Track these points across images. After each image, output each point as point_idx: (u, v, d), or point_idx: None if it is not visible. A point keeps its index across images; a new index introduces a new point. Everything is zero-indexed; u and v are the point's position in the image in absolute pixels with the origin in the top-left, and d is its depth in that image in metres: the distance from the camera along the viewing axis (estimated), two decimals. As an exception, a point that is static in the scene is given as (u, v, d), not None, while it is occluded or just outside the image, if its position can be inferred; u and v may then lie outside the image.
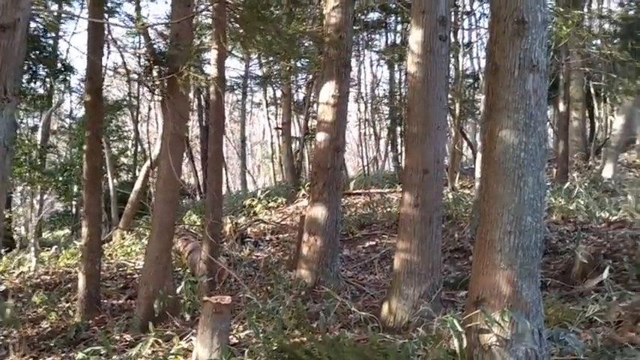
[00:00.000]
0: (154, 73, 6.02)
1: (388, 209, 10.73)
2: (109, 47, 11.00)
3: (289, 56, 10.29)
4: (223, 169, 18.48)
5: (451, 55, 13.92)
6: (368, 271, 7.65)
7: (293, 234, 9.12)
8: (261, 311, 5.32)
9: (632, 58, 12.01)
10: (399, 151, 17.44)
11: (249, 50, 11.37)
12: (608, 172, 12.22)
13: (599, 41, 13.90)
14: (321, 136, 6.85)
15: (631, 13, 14.45)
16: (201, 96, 17.43)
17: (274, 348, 4.42)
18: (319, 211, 6.74)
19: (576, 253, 5.91)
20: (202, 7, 7.76)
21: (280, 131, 17.37)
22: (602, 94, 16.41)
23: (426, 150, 5.24)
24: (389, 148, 20.69)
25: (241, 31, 6.98)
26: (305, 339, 4.64)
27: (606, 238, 6.79)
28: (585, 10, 14.15)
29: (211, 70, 7.32)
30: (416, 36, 5.36)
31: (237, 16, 6.61)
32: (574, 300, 5.37)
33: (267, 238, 10.04)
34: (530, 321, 3.41)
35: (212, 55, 7.25)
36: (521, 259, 3.43)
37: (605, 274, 5.40)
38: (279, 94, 18.81)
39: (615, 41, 13.49)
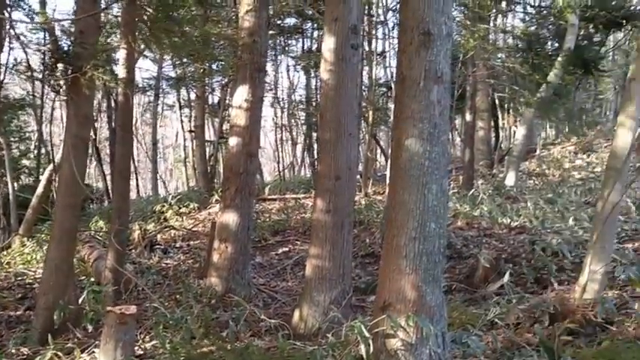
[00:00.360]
0: (58, 72, 5.70)
1: (303, 215, 10.76)
2: (10, 43, 10.37)
3: (203, 58, 10.10)
4: (133, 174, 17.87)
5: (365, 64, 14.24)
6: (280, 278, 7.62)
7: (204, 241, 8.93)
8: (169, 321, 5.17)
9: (531, 72, 12.76)
10: (316, 157, 17.57)
11: (161, 51, 11.04)
12: (510, 179, 12.86)
13: (503, 55, 14.70)
14: (233, 141, 6.76)
15: (532, 28, 15.37)
16: (112, 97, 16.77)
17: (182, 358, 4.30)
18: (231, 217, 6.64)
19: (479, 258, 6.16)
20: (114, 4, 7.46)
21: (194, 134, 17.03)
22: (505, 105, 17.32)
23: (338, 156, 5.28)
24: (305, 153, 20.83)
25: (148, 31, 6.76)
26: (214, 348, 4.55)
27: (507, 243, 7.13)
28: (491, 24, 14.88)
29: (120, 70, 7.03)
30: (329, 43, 5.41)
31: (145, 16, 6.40)
32: (477, 303, 5.60)
33: (178, 245, 9.78)
34: (434, 325, 3.50)
35: (121, 55, 6.98)
36: (425, 265, 3.51)
37: (506, 278, 5.66)
38: (193, 96, 18.46)
39: (517, 55, 14.30)
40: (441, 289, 3.65)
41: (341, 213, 5.32)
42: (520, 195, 11.27)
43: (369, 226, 9.08)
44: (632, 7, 14.21)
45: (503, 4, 15.18)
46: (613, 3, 13.73)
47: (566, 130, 20.30)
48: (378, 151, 19.92)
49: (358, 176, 13.74)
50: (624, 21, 13.74)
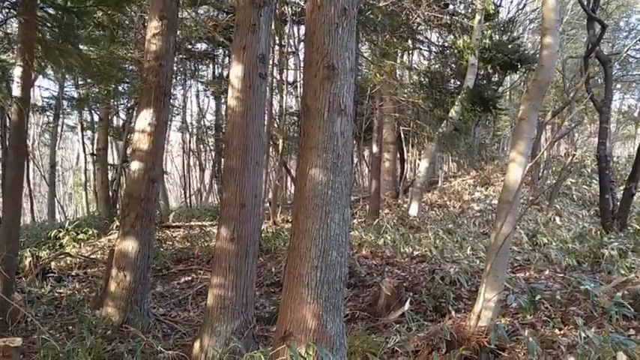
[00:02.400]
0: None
1: (208, 243, 10.54)
2: None
3: (108, 80, 9.77)
4: (27, 197, 16.78)
5: (276, 92, 14.36)
6: (182, 308, 7.38)
7: (103, 269, 8.52)
8: (59, 353, 4.85)
9: (434, 107, 13.38)
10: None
11: (59, 71, 10.58)
12: (414, 210, 13.31)
13: (408, 90, 15.32)
14: (135, 165, 6.53)
15: (435, 67, 16.17)
16: (6, 115, 15.79)
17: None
18: (130, 245, 6.38)
19: (382, 287, 6.27)
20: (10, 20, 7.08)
21: (95, 157, 16.35)
22: (410, 138, 18.00)
23: (244, 184, 5.23)
24: (213, 180, 20.52)
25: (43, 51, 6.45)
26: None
27: (409, 271, 7.34)
28: (397, 61, 15.50)
29: (15, 88, 6.65)
30: (236, 71, 5.40)
31: (40, 34, 6.10)
32: (379, 331, 5.68)
33: (74, 273, 9.25)
34: (333, 354, 3.51)
35: (16, 73, 6.60)
36: (326, 293, 3.53)
37: (407, 306, 5.81)
38: (96, 118, 17.75)
39: (421, 91, 14.96)
40: (342, 318, 3.68)
41: (246, 241, 5.25)
42: (422, 225, 11.68)
43: (275, 254, 9.03)
44: (526, 51, 15.31)
45: (409, 42, 15.88)
46: (509, 46, 14.75)
47: (466, 164, 21.37)
48: (288, 179, 19.99)
49: (268, 204, 13.72)
50: (519, 63, 14.78)
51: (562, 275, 6.87)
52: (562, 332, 5.09)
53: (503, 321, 5.32)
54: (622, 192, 9.70)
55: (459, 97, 13.63)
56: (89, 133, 19.74)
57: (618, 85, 26.01)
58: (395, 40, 12.64)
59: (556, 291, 6.10)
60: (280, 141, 13.78)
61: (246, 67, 5.33)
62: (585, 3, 9.76)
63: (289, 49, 15.59)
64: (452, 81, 16.44)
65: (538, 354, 4.46)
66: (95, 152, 16.38)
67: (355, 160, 19.47)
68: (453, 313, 5.83)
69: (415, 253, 8.27)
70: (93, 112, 17.77)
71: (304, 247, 3.58)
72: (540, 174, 16.47)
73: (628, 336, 4.97)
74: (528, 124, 5.19)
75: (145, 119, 6.53)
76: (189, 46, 15.88)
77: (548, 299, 5.73)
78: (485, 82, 16.38)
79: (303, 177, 3.65)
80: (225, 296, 5.16)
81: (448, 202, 15.69)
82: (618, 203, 9.58)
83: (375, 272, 7.63)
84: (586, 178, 16.09)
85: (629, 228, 9.46)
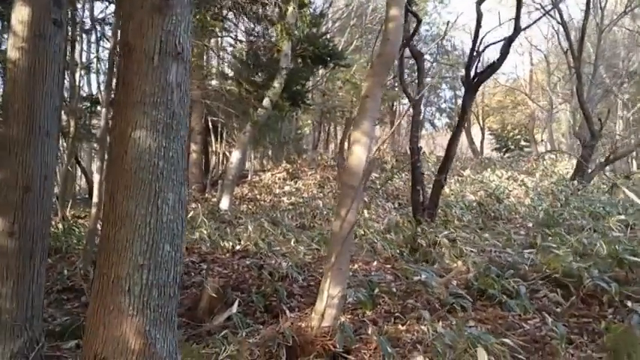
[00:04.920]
0: None
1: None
2: None
3: None
4: None
5: (68, 72, 12.48)
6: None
7: None
8: None
9: (247, 95, 12.72)
10: None
11: None
12: (224, 203, 12.50)
13: (218, 77, 14.47)
14: None
15: (246, 54, 15.53)
16: None
17: None
18: None
19: (205, 287, 5.38)
20: None
21: None
22: (219, 129, 17.12)
23: (29, 160, 3.96)
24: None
25: None
26: None
27: (232, 268, 6.53)
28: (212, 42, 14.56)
29: None
30: (22, 14, 4.09)
31: None
32: (202, 340, 4.79)
33: None
34: (165, 382, 2.59)
35: None
36: (156, 301, 2.61)
37: (234, 308, 5.02)
38: None
39: (232, 79, 14.21)
40: (176, 333, 2.77)
41: (31, 236, 3.98)
42: (235, 219, 10.95)
43: (68, 254, 7.55)
44: (336, 46, 15.43)
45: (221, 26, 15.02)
46: (320, 40, 14.69)
47: (277, 157, 21.16)
48: (78, 171, 17.81)
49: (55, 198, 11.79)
50: (329, 58, 14.81)
51: (390, 266, 6.67)
52: (405, 327, 4.72)
53: (343, 318, 4.80)
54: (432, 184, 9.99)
55: (272, 87, 13.15)
56: None
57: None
58: (209, 19, 11.68)
59: (390, 283, 5.81)
60: (72, 124, 11.93)
61: (36, 8, 4.06)
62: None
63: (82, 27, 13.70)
64: (265, 70, 15.94)
65: (387, 354, 3.99)
66: None
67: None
68: (288, 312, 5.17)
69: (237, 247, 7.48)
70: None
71: (124, 240, 2.60)
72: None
73: (469, 327, 4.79)
74: (373, 102, 4.73)
75: None
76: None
77: (386, 292, 5.37)
78: (295, 75, 16.17)
79: (122, 143, 2.66)
80: (3, 308, 3.86)
81: (259, 196, 15.16)
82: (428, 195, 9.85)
83: (192, 271, 6.68)
84: (388, 173, 16.77)
85: (438, 218, 9.78)
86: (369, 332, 4.54)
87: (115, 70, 6.93)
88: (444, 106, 35.90)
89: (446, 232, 7.58)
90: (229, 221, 10.73)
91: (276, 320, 5.00)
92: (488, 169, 18.03)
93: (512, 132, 38.40)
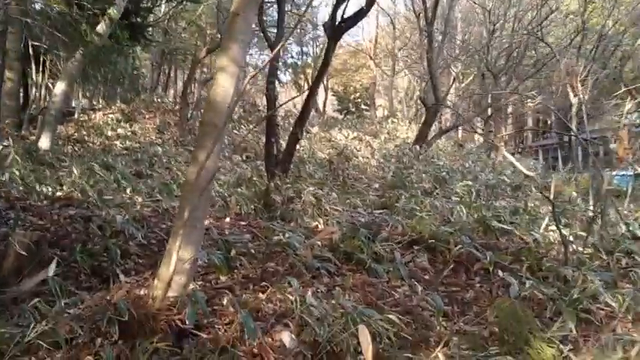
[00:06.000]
0: None
1: None
2: None
3: None
4: None
5: None
6: None
7: None
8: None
9: (79, 17, 10.89)
10: None
11: None
12: (45, 143, 10.77)
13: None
14: None
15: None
16: None
17: None
18: None
19: (11, 241, 4.16)
20: None
21: None
22: (42, 55, 14.72)
23: None
24: None
25: None
26: None
27: (51, 219, 5.25)
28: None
29: None
30: None
31: None
32: (5, 310, 3.66)
33: None
34: None
35: None
36: None
37: (52, 269, 3.94)
38: None
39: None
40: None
41: None
42: (58, 162, 9.41)
43: None
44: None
45: None
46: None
47: (111, 95, 19.04)
48: None
49: None
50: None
51: (245, 224, 5.89)
52: (266, 296, 4.02)
53: (192, 286, 3.97)
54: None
55: (108, 13, 11.44)
56: None
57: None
58: None
59: (248, 243, 5.03)
60: None
61: None
62: None
63: None
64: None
65: (250, 330, 3.26)
66: None
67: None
68: (122, 277, 4.18)
69: (58, 194, 6.16)
70: None
71: None
72: (190, 114, 15.54)
73: (332, 294, 4.23)
74: (244, 22, 3.82)
75: None
76: None
77: (244, 254, 4.61)
78: (133, 6, 14.34)
79: None
80: None
81: (87, 138, 13.39)
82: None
83: (-3, 220, 5.30)
84: (236, 124, 15.83)
85: (291, 174, 9.19)
86: (225, 303, 3.77)
87: None
88: (290, 61, 35.33)
89: (311, 189, 6.94)
90: (50, 163, 9.18)
91: (106, 286, 3.99)
92: (336, 129, 17.90)
93: (353, 94, 39.26)
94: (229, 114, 3.74)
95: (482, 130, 20.53)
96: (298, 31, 31.17)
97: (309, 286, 4.20)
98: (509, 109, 31.97)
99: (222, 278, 4.26)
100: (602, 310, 4.17)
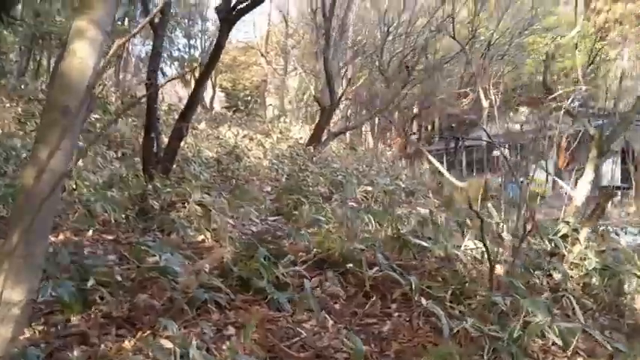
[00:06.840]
0: None
1: None
2: None
3: None
4: None
5: None
6: None
7: None
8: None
9: None
10: None
11: None
12: None
13: None
14: None
15: None
16: None
17: None
18: None
19: None
20: None
21: None
22: None
23: None
24: None
25: None
26: None
27: None
28: None
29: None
30: None
31: None
32: None
33: None
34: None
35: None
36: None
37: None
38: None
39: None
40: None
41: None
42: None
43: None
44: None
45: None
46: None
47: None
48: None
49: None
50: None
51: (113, 238, 4.73)
52: (132, 344, 2.97)
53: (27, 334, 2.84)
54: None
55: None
56: None
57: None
58: None
59: (114, 267, 3.90)
60: None
61: None
62: None
63: None
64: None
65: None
66: None
67: None
68: None
69: None
70: None
71: None
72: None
73: (223, 336, 3.29)
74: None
75: None
76: None
77: (107, 284, 3.48)
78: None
79: None
80: None
81: None
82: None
83: None
84: (112, 116, 14.16)
85: (173, 174, 8.02)
86: (74, 358, 2.69)
87: None
88: (176, 54, 33.39)
89: (197, 195, 5.83)
90: None
91: None
92: (225, 125, 16.78)
93: (243, 92, 38.08)
94: (88, 95, 2.64)
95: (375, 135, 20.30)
96: (187, 22, 29.54)
97: (193, 328, 3.21)
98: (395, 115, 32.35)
99: (74, 319, 3.12)
100: (546, 348, 3.57)
